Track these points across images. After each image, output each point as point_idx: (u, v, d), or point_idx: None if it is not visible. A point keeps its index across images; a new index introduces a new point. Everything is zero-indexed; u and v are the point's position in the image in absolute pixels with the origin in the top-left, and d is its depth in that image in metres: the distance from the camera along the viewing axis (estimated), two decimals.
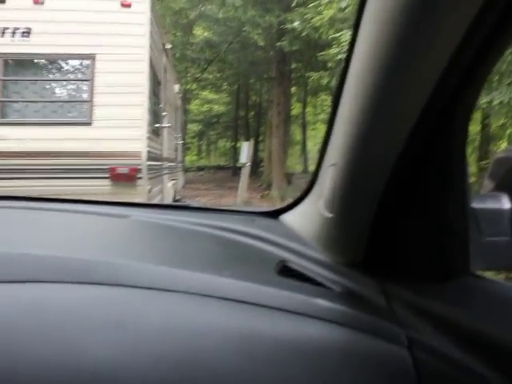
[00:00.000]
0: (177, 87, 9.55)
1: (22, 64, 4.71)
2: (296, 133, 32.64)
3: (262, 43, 12.57)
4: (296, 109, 29.93)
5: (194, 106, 30.83)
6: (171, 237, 1.04)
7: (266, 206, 12.42)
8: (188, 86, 24.24)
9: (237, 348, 0.60)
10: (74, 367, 0.54)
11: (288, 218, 1.19)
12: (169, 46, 7.05)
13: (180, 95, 11.13)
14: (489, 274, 0.84)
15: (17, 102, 4.66)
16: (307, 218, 1.01)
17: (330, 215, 0.80)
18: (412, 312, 0.69)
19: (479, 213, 0.75)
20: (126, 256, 0.78)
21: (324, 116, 30.88)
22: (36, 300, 0.61)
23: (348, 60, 0.69)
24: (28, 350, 0.55)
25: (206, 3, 14.48)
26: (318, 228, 0.90)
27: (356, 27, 0.64)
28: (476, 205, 0.75)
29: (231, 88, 25.97)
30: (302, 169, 28.35)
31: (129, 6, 4.67)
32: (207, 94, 29.95)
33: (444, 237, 0.70)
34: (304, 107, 27.92)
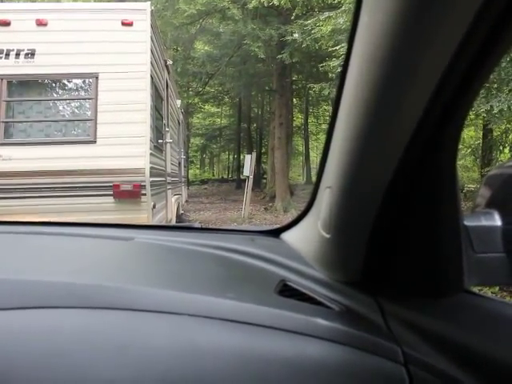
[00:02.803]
0: (179, 102, 9.60)
1: (26, 84, 4.75)
2: (299, 144, 32.70)
3: (262, 56, 12.58)
4: (298, 120, 30.02)
5: (196, 119, 30.98)
6: (175, 259, 1.05)
7: (269, 218, 12.43)
8: (190, 100, 24.35)
9: (239, 368, 0.61)
10: None
11: (288, 236, 1.21)
12: (170, 62, 7.11)
13: (182, 110, 11.20)
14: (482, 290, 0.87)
15: (21, 122, 4.70)
16: (306, 237, 1.02)
17: (328, 235, 0.82)
18: (408, 329, 0.70)
19: (472, 230, 0.77)
20: (131, 280, 0.79)
21: (326, 126, 30.93)
22: (45, 326, 0.62)
23: (341, 87, 0.70)
24: (38, 375, 0.56)
25: (207, 18, 14.58)
26: (316, 247, 0.91)
27: (347, 58, 0.66)
28: (468, 222, 0.76)
29: (233, 101, 26.08)
30: (304, 180, 28.39)
31: (130, 24, 4.72)
32: (209, 108, 30.11)
33: (437, 254, 0.71)
34: (306, 118, 27.98)
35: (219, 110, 30.93)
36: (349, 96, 0.67)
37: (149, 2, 4.95)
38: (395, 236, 0.73)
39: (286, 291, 0.81)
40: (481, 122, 10.73)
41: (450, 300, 0.72)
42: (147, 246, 1.14)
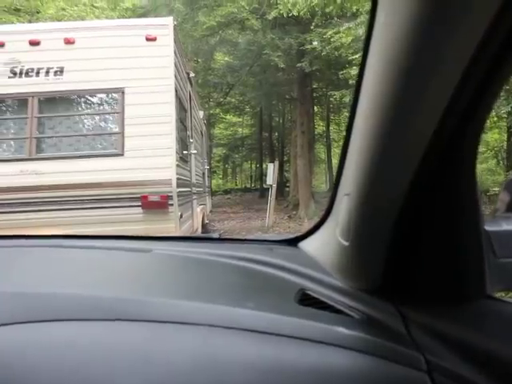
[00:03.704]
0: (201, 113, 9.75)
1: (55, 101, 4.91)
2: (321, 151, 32.59)
3: (282, 65, 12.70)
4: (320, 127, 29.97)
5: (218, 130, 31.11)
6: (193, 270, 1.06)
7: (293, 226, 12.42)
8: (211, 111, 24.56)
9: (263, 379, 0.60)
10: None
11: (306, 245, 1.20)
12: (192, 75, 7.24)
13: (204, 121, 11.34)
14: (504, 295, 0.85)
15: (51, 137, 4.85)
16: (325, 246, 1.01)
17: (347, 243, 0.81)
18: (430, 336, 0.69)
19: (493, 235, 0.76)
20: (151, 292, 0.80)
21: None
22: (66, 338, 0.63)
23: (357, 94, 0.71)
24: None
25: (226, 28, 14.77)
26: (335, 255, 0.90)
27: (362, 65, 0.67)
28: (489, 227, 0.75)
29: (254, 110, 26.02)
30: (327, 187, 28.29)
31: (154, 39, 4.85)
32: (231, 118, 30.20)
33: (459, 260, 0.71)
34: (328, 126, 27.92)
35: (241, 119, 30.96)
36: (366, 102, 0.68)
37: (171, 17, 5.10)
38: (415, 242, 0.72)
39: (306, 300, 0.81)
40: (504, 124, 10.63)
41: (473, 306, 0.72)
42: (165, 258, 1.15)
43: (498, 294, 0.80)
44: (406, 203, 0.67)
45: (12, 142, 4.84)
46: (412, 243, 0.72)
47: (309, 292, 0.85)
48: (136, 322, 0.66)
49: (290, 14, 9.30)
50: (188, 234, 5.46)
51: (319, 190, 25.74)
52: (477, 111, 0.59)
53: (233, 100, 24.48)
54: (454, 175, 0.66)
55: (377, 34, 0.60)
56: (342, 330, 0.69)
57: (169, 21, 5.01)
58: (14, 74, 4.77)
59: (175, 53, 5.04)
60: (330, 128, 28.92)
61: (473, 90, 0.55)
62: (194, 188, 6.59)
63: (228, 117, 29.63)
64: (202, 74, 17.75)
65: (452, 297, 0.72)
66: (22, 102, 4.80)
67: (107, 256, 1.13)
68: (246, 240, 1.44)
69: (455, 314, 0.71)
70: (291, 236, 1.31)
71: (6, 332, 0.62)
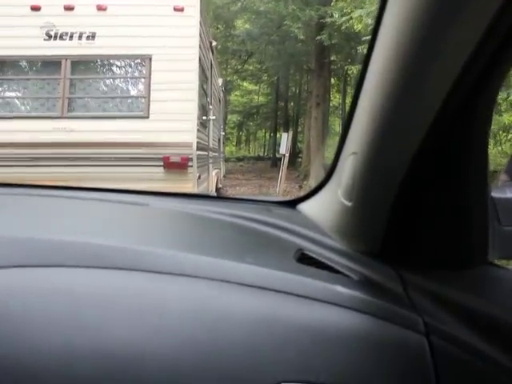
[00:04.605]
0: (220, 81, 10.02)
1: (87, 64, 5.24)
2: (335, 124, 32.38)
3: (301, 37, 12.82)
4: (336, 100, 29.79)
5: (234, 97, 30.77)
6: (191, 224, 1.06)
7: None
8: (229, 78, 24.54)
9: (258, 332, 0.61)
10: (97, 350, 0.56)
11: (305, 207, 1.19)
12: (214, 43, 7.50)
13: (223, 88, 11.60)
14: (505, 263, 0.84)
15: (82, 98, 5.20)
16: (325, 207, 1.01)
17: (349, 203, 0.81)
18: (429, 299, 0.69)
19: (498, 202, 0.76)
20: (148, 242, 0.79)
21: None
22: (61, 284, 0.62)
23: (369, 53, 0.70)
24: (53, 332, 0.57)
25: None
26: (336, 217, 0.90)
27: (376, 30, 0.67)
28: (496, 194, 0.75)
29: (271, 79, 25.96)
30: None
31: (181, 10, 5.13)
32: (247, 86, 29.99)
33: (463, 226, 0.71)
34: (344, 99, 27.75)
35: (257, 87, 30.83)
36: (378, 61, 0.67)
37: None
38: (419, 206, 0.72)
39: (304, 259, 0.80)
40: None
41: (474, 271, 0.72)
42: (163, 212, 1.14)
43: (501, 262, 0.79)
44: (413, 165, 0.66)
45: (45, 101, 5.20)
46: (416, 207, 0.72)
47: (307, 252, 0.84)
48: (133, 272, 0.66)
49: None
50: None
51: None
52: (488, 81, 0.58)
53: (250, 68, 24.52)
54: (464, 139, 0.65)
55: (391, 3, 0.60)
56: (340, 289, 0.69)
57: None
58: (49, 36, 5.08)
59: (200, 23, 5.31)
60: (346, 101, 28.77)
61: (487, 56, 0.54)
62: (210, 152, 6.94)
63: (245, 84, 29.48)
64: (221, 41, 17.81)
65: (453, 262, 0.72)
66: (55, 63, 5.12)
67: (103, 207, 1.12)
68: (244, 199, 1.41)
69: (456, 278, 0.71)
70: (290, 198, 1.29)
71: (2, 275, 0.62)
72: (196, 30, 5.16)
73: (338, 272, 0.76)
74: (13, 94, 5.30)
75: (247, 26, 18.19)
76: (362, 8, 8.84)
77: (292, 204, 1.25)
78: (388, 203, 0.72)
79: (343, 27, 10.61)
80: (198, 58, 5.16)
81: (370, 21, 8.20)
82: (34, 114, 5.09)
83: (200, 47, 5.34)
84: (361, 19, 8.59)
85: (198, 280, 0.66)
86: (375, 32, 0.67)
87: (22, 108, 5.20)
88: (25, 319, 0.57)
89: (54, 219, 0.93)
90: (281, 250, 0.87)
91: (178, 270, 0.67)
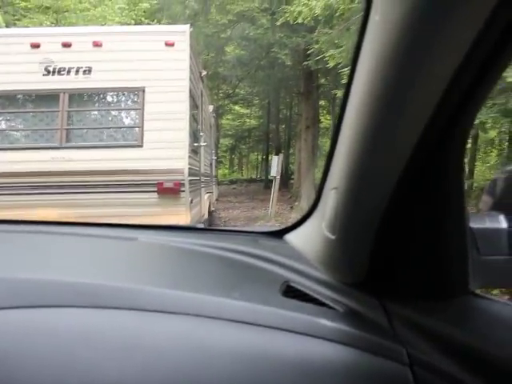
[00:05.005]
0: (211, 107, 10.36)
1: (83, 97, 5.54)
2: (327, 145, 32.46)
3: (289, 62, 13.22)
4: (327, 121, 30.11)
5: (226, 120, 30.97)
6: (178, 259, 1.06)
7: (295, 217, 12.82)
8: (220, 102, 24.84)
9: (245, 369, 0.61)
10: None
11: (292, 237, 1.20)
12: (204, 73, 7.85)
13: (214, 114, 11.93)
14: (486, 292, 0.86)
15: (79, 129, 5.49)
16: (310, 239, 1.01)
17: (333, 236, 0.81)
18: (413, 330, 0.69)
19: (477, 232, 0.78)
20: (137, 280, 0.79)
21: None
22: (48, 324, 0.62)
23: (348, 88, 0.71)
24: (41, 374, 0.56)
25: (236, 25, 15.21)
26: (321, 248, 0.90)
27: (355, 56, 0.67)
28: (474, 224, 0.77)
29: (262, 102, 26.18)
30: None
31: (172, 44, 5.45)
32: (239, 109, 30.30)
33: (444, 257, 0.72)
34: (334, 120, 27.96)
35: (249, 111, 31.10)
36: (356, 96, 0.68)
37: (188, 25, 5.70)
38: (400, 238, 0.73)
39: (290, 292, 0.81)
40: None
41: (456, 302, 0.72)
42: (151, 246, 1.14)
43: (481, 291, 0.80)
44: (392, 199, 0.68)
45: (44, 132, 5.48)
46: (397, 239, 0.73)
47: (293, 284, 0.85)
48: (121, 310, 0.66)
49: (295, 22, 9.90)
50: (196, 218, 6.10)
51: None
52: (465, 112, 0.59)
53: (242, 92, 24.64)
54: (442, 173, 0.66)
55: (370, 30, 0.61)
56: (325, 322, 0.70)
57: (186, 28, 5.61)
58: (48, 72, 5.38)
59: (190, 57, 5.62)
60: (337, 122, 28.98)
61: (462, 91, 0.56)
62: (202, 177, 7.22)
63: (236, 108, 29.81)
64: (212, 67, 18.11)
65: (435, 293, 0.73)
66: (54, 97, 5.40)
67: (92, 243, 1.11)
68: (231, 231, 1.44)
69: (438, 309, 0.71)
70: (277, 228, 1.31)
71: None
72: (186, 64, 5.47)
73: (323, 304, 0.77)
74: (14, 126, 5.60)
75: (237, 51, 18.51)
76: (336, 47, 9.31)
77: (279, 234, 1.26)
78: (370, 236, 0.73)
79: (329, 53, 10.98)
80: (188, 90, 5.46)
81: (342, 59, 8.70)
82: (33, 144, 5.36)
83: (190, 79, 5.65)
84: (334, 57, 9.07)
85: (186, 317, 0.66)
86: (352, 70, 0.68)
87: (23, 139, 5.48)
88: (15, 361, 0.57)
89: (40, 257, 0.93)
90: (267, 283, 0.88)
91: (167, 308, 0.67)
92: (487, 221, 0.86)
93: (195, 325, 0.66)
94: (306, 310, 0.73)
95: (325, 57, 10.01)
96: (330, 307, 0.76)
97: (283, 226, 1.28)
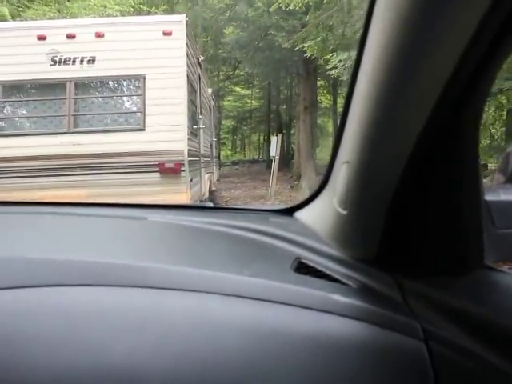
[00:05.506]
0: (209, 90, 10.69)
1: (88, 85, 5.92)
2: (328, 124, 32.59)
3: (286, 45, 13.43)
4: (327, 101, 30.14)
5: (227, 102, 31.11)
6: (188, 237, 1.05)
7: (294, 196, 13.09)
8: (221, 84, 24.94)
9: (258, 345, 0.61)
10: (98, 368, 0.56)
11: (302, 215, 1.18)
12: (201, 58, 8.19)
13: (213, 97, 12.24)
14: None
15: (85, 115, 5.90)
16: (321, 215, 1.00)
17: (344, 212, 0.80)
18: (427, 305, 0.69)
19: (492, 205, 0.76)
20: (147, 258, 0.79)
21: None
22: (61, 303, 0.63)
23: (358, 60, 0.69)
24: (54, 353, 0.57)
25: (234, 7, 15.38)
26: (332, 224, 0.89)
27: (365, 31, 0.66)
28: (489, 197, 0.75)
29: (262, 83, 26.09)
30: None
31: (169, 33, 5.80)
32: (240, 90, 30.33)
33: (458, 230, 0.70)
34: (334, 100, 28.15)
35: (250, 92, 31.06)
36: (369, 64, 0.66)
37: (184, 15, 6.06)
38: (414, 212, 0.72)
39: (302, 268, 0.80)
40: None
41: (471, 276, 0.71)
42: (160, 225, 1.14)
43: (497, 264, 0.78)
44: (405, 172, 0.66)
45: (53, 119, 5.90)
46: (410, 213, 0.72)
47: (305, 261, 0.84)
48: (130, 288, 0.66)
49: (288, 8, 10.22)
50: (196, 197, 6.54)
51: (325, 163, 25.98)
52: (479, 83, 0.58)
53: (242, 73, 24.79)
54: (456, 145, 0.65)
55: (376, 16, 0.60)
56: (338, 297, 0.69)
57: (182, 18, 5.96)
58: (54, 62, 5.76)
59: (187, 44, 5.97)
60: (338, 101, 29.16)
61: (476, 61, 0.54)
62: (202, 158, 7.62)
63: (237, 89, 29.90)
64: (212, 49, 18.28)
65: (450, 267, 0.72)
66: (61, 85, 5.80)
67: (101, 223, 1.12)
68: (241, 209, 1.42)
69: (453, 283, 0.71)
70: (287, 206, 1.28)
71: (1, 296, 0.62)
72: (183, 51, 5.84)
73: (335, 280, 0.76)
74: (25, 114, 5.99)
75: (237, 31, 18.47)
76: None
77: (289, 212, 1.25)
78: (382, 211, 0.72)
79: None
80: (185, 76, 5.83)
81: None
82: (43, 130, 5.77)
83: (187, 65, 6.01)
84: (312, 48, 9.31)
85: (197, 294, 0.66)
86: (363, 40, 0.67)
87: (33, 126, 5.88)
88: (25, 340, 0.57)
89: (50, 237, 0.93)
90: (279, 260, 0.87)
91: (177, 285, 0.67)
92: (502, 193, 0.83)
93: (207, 302, 0.66)
94: (319, 286, 0.73)
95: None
96: (343, 283, 0.75)
97: (283, 204, 1.46)
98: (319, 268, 0.81)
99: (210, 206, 1.55)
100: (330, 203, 0.90)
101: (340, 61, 9.39)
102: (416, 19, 0.52)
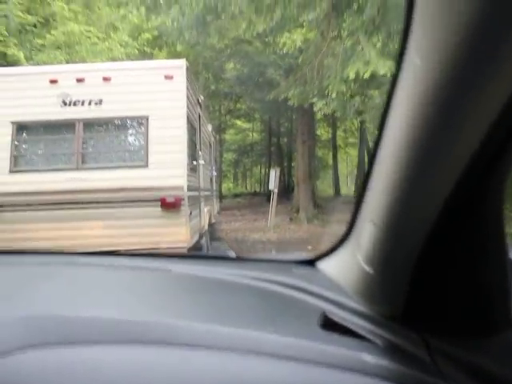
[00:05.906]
0: (210, 127, 11.15)
1: (96, 124, 6.36)
2: (328, 157, 32.92)
3: (283, 82, 13.93)
4: (327, 134, 30.54)
5: (228, 135, 31.52)
6: (213, 291, 1.04)
7: (293, 228, 13.17)
8: (222, 118, 25.45)
9: None
10: None
11: (325, 266, 1.17)
12: (202, 98, 8.67)
13: (213, 133, 12.66)
14: None
15: (93, 152, 6.34)
16: (346, 269, 0.99)
17: (371, 269, 0.81)
18: (455, 366, 0.68)
19: None
20: (172, 314, 0.80)
21: (353, 140, 31.31)
22: (88, 362, 0.63)
23: (385, 115, 0.69)
24: None
25: (234, 47, 15.96)
26: (357, 279, 0.88)
27: (390, 93, 0.65)
28: None
29: (263, 117, 26.68)
30: (333, 192, 28.67)
31: (171, 77, 6.23)
32: (241, 124, 30.84)
33: (484, 290, 0.70)
34: (334, 133, 28.49)
35: (251, 125, 31.66)
36: (397, 126, 0.65)
37: (184, 60, 6.53)
38: (440, 272, 0.72)
39: (329, 324, 0.79)
40: None
41: (499, 337, 0.71)
42: (186, 278, 1.14)
43: None
44: (431, 233, 0.67)
45: (63, 156, 6.33)
46: (437, 273, 0.72)
47: (331, 316, 0.84)
48: (165, 346, 0.67)
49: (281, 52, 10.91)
50: (196, 228, 6.90)
51: (325, 195, 26.01)
52: (506, 149, 0.58)
53: (243, 107, 25.28)
54: (480, 205, 0.65)
55: (408, 71, 0.59)
56: (365, 356, 0.69)
57: (183, 62, 6.42)
58: (65, 103, 6.20)
59: (187, 87, 6.43)
60: (338, 134, 29.47)
61: (506, 130, 0.55)
62: (201, 192, 8.01)
63: (238, 123, 30.38)
64: (213, 85, 18.77)
65: (477, 327, 0.72)
66: (70, 125, 6.25)
67: (127, 275, 1.12)
68: (263, 260, 1.43)
69: (480, 344, 0.70)
70: (309, 256, 1.29)
71: (23, 356, 0.62)
72: (183, 94, 6.28)
73: (362, 338, 0.75)
74: (36, 152, 6.43)
75: (238, 66, 18.87)
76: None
77: (311, 262, 1.24)
78: (409, 271, 0.71)
79: None
80: (186, 116, 6.26)
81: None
82: (54, 167, 6.18)
83: (187, 106, 6.44)
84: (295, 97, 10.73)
85: (224, 352, 0.67)
86: (389, 99, 0.66)
87: (45, 162, 6.29)
88: None
89: (76, 291, 0.92)
90: (304, 315, 0.87)
91: (204, 343, 0.68)
92: None
93: (231, 360, 0.66)
94: (346, 344, 0.72)
95: None
96: (370, 341, 0.75)
97: (314, 254, 1.27)
98: (346, 324, 0.80)
99: (233, 256, 1.63)
100: (354, 258, 0.90)
101: (320, 108, 10.81)
102: (454, 83, 0.52)
